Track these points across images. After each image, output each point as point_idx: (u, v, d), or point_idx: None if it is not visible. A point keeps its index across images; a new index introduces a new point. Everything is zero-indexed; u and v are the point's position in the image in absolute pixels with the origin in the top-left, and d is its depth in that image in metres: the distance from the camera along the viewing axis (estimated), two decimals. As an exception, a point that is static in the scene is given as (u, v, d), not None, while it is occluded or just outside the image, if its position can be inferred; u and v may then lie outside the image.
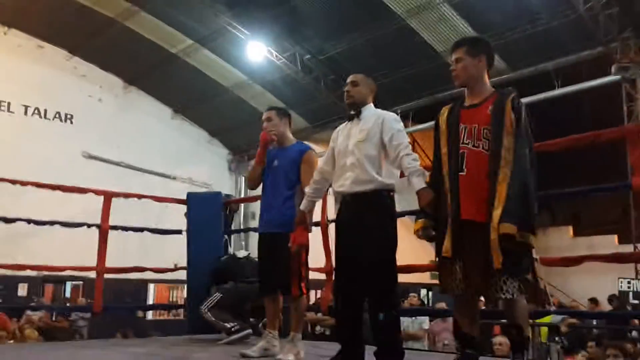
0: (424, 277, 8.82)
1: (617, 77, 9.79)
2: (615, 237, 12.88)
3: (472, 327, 2.72)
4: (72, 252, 7.42)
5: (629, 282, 8.12)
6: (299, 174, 3.63)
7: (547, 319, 7.59)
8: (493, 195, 2.49)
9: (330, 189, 3.37)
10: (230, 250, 5.66)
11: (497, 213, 2.44)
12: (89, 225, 5.04)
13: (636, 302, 7.78)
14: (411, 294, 8.25)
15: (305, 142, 4.04)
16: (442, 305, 8.14)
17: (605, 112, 10.38)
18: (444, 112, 2.84)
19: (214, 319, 4.50)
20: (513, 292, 2.46)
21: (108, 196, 5.08)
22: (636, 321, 7.11)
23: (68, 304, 12.10)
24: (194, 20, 12.29)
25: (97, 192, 5.12)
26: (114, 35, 12.91)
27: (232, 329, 4.40)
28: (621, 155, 8.02)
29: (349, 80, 3.28)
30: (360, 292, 3.04)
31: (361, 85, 3.25)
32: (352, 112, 3.26)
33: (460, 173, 2.63)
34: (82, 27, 12.85)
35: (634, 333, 7.35)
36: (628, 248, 9.84)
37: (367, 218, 3.02)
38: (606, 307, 9.27)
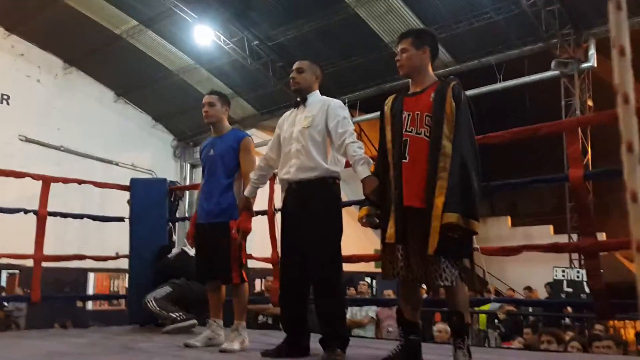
0: (369, 266, 8.94)
1: (557, 72, 10.15)
2: (551, 227, 13.42)
3: (414, 314, 2.78)
4: (8, 239, 7.14)
5: (563, 271, 8.46)
6: (237, 161, 3.60)
7: (486, 307, 7.85)
8: (433, 183, 2.53)
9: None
10: (174, 238, 5.57)
11: (439, 201, 2.49)
12: (26, 212, 4.84)
13: (570, 290, 8.12)
14: (361, 282, 8.35)
15: (242, 129, 3.98)
16: (389, 292, 8.30)
17: (545, 106, 10.76)
18: (389, 101, 2.88)
19: (158, 309, 4.41)
20: (452, 280, 2.51)
21: (46, 181, 4.89)
22: (569, 308, 7.42)
23: (4, 294, 11.64)
24: (139, 0, 11.95)
25: (34, 177, 4.91)
26: (55, 14, 12.40)
27: (178, 318, 4.33)
28: (558, 148, 8.34)
29: (294, 66, 3.27)
30: (305, 280, 3.05)
31: (307, 72, 3.24)
32: (298, 99, 3.26)
33: (403, 160, 2.65)
34: (21, 4, 12.28)
35: (568, 320, 7.70)
36: (563, 237, 10.27)
37: (312, 206, 3.03)
38: (542, 295, 9.66)
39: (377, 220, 2.77)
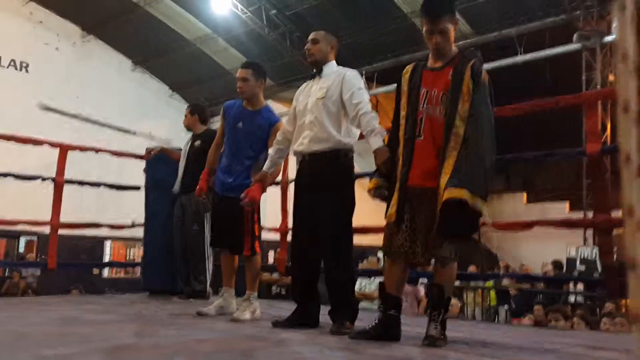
0: (381, 240, 8.95)
1: (578, 45, 9.94)
2: (567, 203, 13.27)
3: (399, 289, 2.72)
4: (26, 206, 7.25)
5: (577, 249, 8.41)
6: (265, 142, 3.54)
7: (488, 284, 7.85)
8: (443, 162, 2.48)
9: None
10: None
11: (443, 180, 2.44)
12: (44, 179, 4.91)
13: (582, 268, 8.05)
14: (370, 257, 8.36)
15: (273, 109, 3.81)
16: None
17: (566, 80, 10.56)
18: (407, 71, 2.75)
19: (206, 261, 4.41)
20: (450, 252, 2.52)
21: (64, 149, 4.95)
22: (580, 285, 7.39)
23: (22, 259, 11.88)
24: (156, -32, 11.88)
25: (52, 144, 4.98)
26: (72, -19, 12.41)
27: (201, 291, 4.36)
28: (577, 122, 8.22)
29: (309, 38, 3.22)
30: (315, 251, 3.06)
31: (322, 43, 3.19)
32: (314, 70, 3.22)
33: (417, 139, 2.59)
34: (38, -29, 12.30)
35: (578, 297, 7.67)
36: (579, 215, 10.17)
37: (324, 177, 3.02)
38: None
39: (387, 193, 2.71)
